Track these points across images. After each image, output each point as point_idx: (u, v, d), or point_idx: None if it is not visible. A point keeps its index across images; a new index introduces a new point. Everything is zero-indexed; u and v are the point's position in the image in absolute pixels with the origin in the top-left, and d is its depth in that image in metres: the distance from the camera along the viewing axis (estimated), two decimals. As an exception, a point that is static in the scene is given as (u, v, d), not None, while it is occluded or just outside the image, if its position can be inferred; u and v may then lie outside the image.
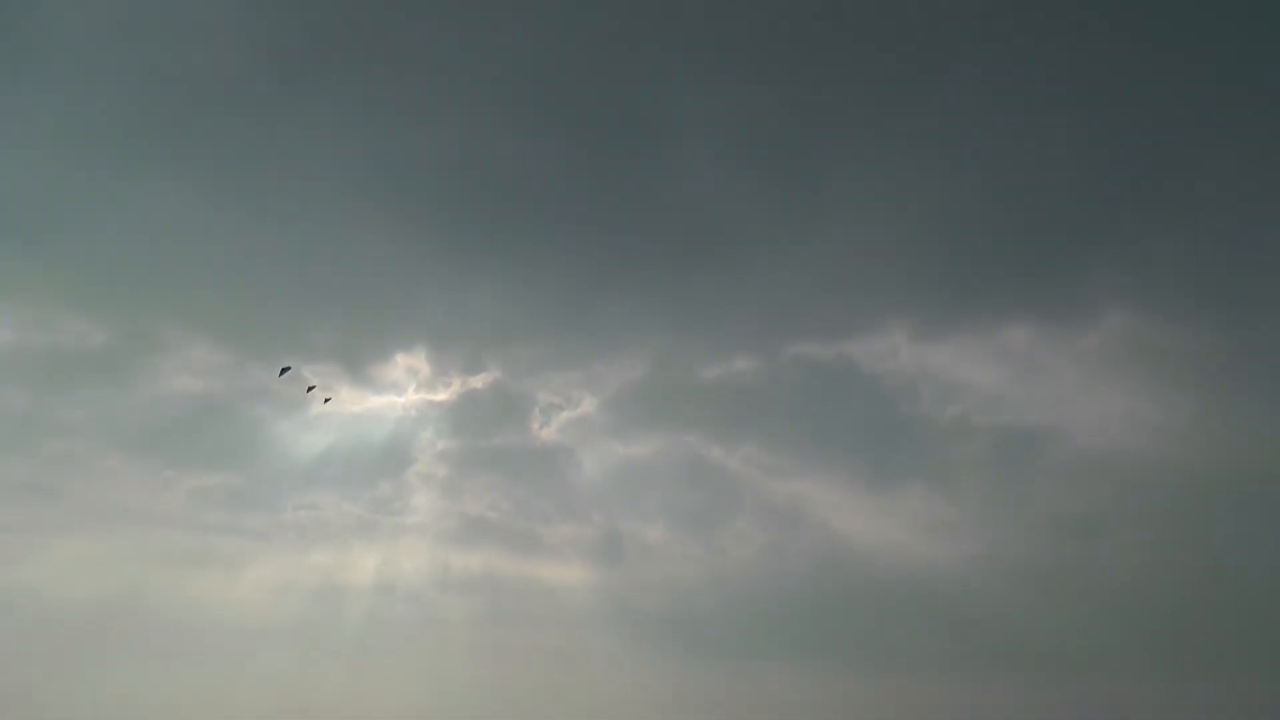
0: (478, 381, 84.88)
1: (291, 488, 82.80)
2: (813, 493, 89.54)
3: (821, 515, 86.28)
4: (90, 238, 77.20)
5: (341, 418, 79.00)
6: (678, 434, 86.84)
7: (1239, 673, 64.24)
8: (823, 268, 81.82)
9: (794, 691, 79.15)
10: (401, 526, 79.89)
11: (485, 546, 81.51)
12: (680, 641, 79.52)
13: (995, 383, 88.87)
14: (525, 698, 70.13)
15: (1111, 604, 72.55)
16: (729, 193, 77.40)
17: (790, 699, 77.14)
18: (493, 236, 78.18)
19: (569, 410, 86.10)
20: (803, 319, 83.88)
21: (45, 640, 60.06)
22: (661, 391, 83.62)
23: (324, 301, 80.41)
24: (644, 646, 75.49)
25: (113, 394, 79.09)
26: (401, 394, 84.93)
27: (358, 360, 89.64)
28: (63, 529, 66.92)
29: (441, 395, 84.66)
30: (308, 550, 73.85)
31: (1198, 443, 77.84)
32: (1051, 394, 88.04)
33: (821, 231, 77.61)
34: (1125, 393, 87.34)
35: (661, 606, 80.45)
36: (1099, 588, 75.39)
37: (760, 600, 79.39)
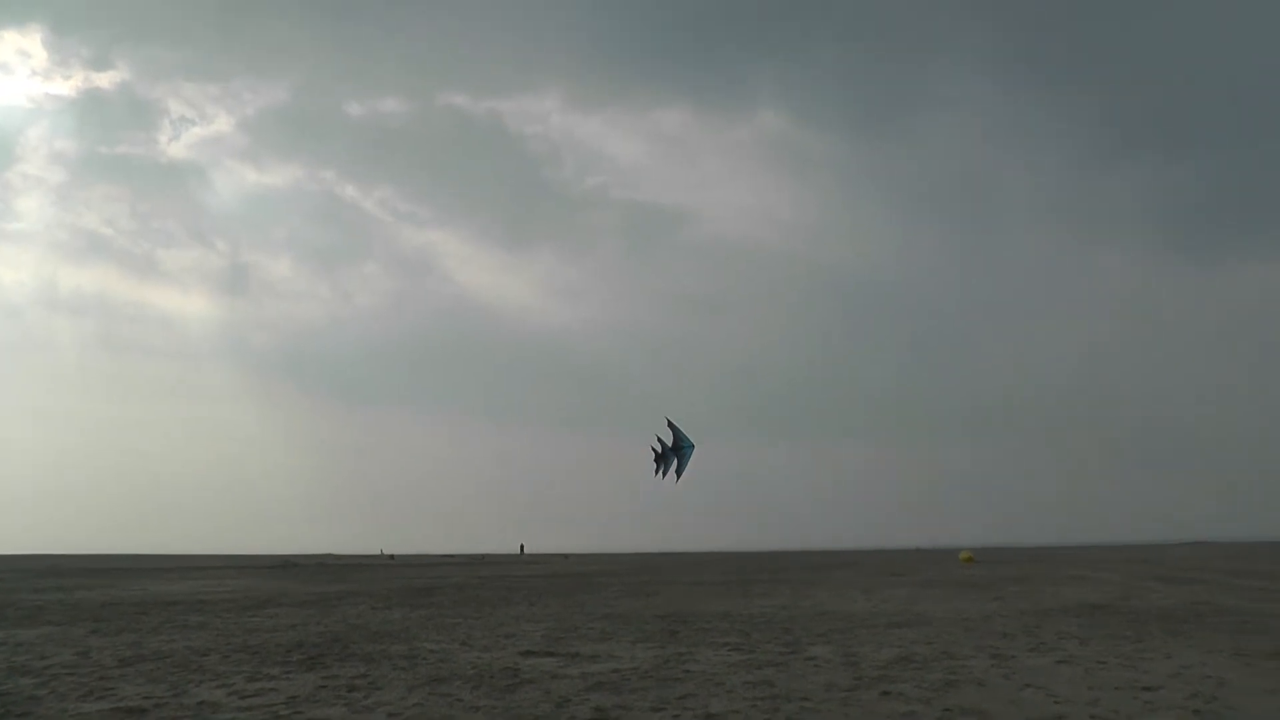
0: (103, 80, 76.60)
1: None
2: (445, 244, 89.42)
3: (451, 267, 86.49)
4: None
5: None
6: (315, 168, 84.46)
7: (842, 438, 68.71)
8: (488, 19, 79.34)
9: (411, 437, 79.40)
10: (2, 233, 71.18)
11: (99, 265, 75.74)
12: (299, 381, 78.85)
13: (640, 160, 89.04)
14: (140, 434, 66.64)
15: (727, 376, 76.38)
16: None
17: (408, 443, 77.24)
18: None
19: (202, 126, 79.95)
20: (459, 69, 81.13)
21: None
22: (304, 121, 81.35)
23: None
24: (263, 383, 74.21)
25: None
26: (10, 77, 74.71)
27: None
28: None
29: (60, 88, 75.31)
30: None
31: (820, 239, 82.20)
32: (694, 178, 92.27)
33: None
34: (763, 186, 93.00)
35: (283, 343, 79.52)
36: (718, 361, 79.63)
37: (383, 345, 79.76)
